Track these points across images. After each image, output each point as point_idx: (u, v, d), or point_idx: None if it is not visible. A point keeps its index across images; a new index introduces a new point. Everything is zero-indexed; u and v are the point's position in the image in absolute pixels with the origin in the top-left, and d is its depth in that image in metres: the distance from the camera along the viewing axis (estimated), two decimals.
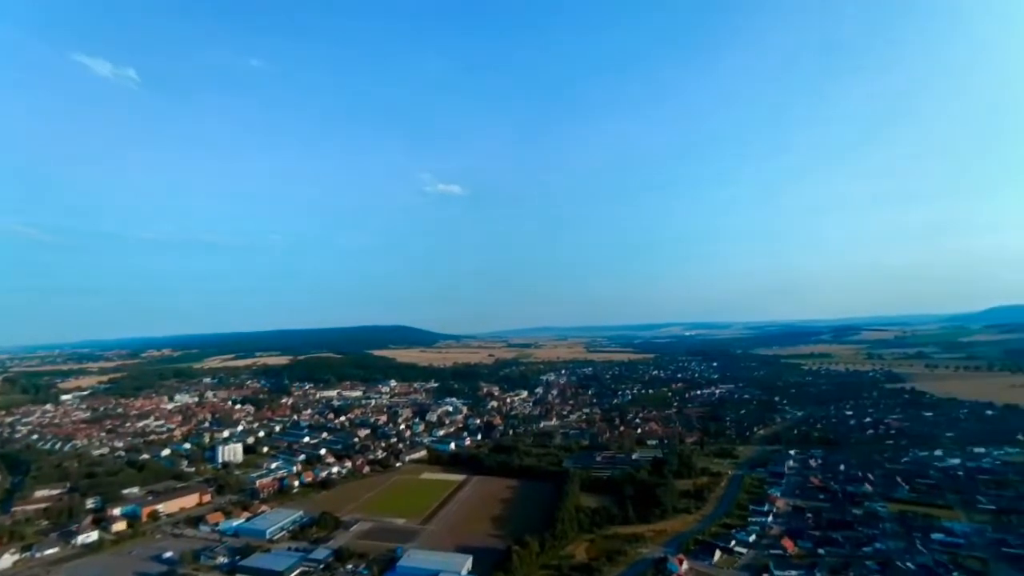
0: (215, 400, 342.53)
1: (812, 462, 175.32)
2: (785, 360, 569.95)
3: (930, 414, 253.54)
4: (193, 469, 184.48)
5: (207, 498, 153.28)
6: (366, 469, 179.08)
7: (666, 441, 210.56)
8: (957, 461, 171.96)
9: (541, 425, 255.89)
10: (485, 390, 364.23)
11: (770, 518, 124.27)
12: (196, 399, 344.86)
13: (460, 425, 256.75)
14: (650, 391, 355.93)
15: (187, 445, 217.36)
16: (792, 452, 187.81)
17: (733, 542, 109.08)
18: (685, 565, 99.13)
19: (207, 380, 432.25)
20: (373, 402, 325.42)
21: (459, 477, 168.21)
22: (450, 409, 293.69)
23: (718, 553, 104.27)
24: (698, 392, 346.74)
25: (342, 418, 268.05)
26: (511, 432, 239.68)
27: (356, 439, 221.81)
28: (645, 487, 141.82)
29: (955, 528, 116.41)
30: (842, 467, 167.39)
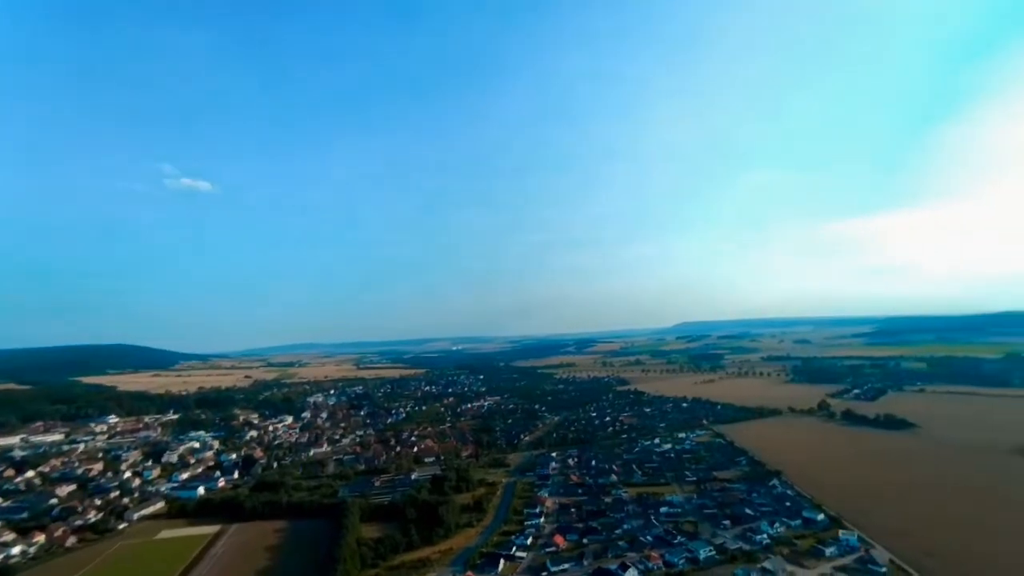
0: None
1: (571, 461, 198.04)
2: (541, 371, 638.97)
3: (649, 410, 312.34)
4: None
5: None
6: (71, 540, 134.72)
7: (443, 457, 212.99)
8: (669, 446, 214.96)
9: (311, 453, 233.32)
10: (242, 418, 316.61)
11: (542, 519, 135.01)
12: None
13: (210, 464, 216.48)
14: (423, 407, 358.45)
15: None
16: (554, 454, 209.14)
17: (514, 548, 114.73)
18: None
19: None
20: (82, 447, 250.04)
21: (211, 529, 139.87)
22: (196, 445, 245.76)
23: (502, 562, 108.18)
24: (469, 405, 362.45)
25: (29, 474, 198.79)
26: (276, 465, 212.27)
27: (54, 500, 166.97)
28: (427, 507, 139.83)
29: (674, 500, 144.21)
30: (593, 462, 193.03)
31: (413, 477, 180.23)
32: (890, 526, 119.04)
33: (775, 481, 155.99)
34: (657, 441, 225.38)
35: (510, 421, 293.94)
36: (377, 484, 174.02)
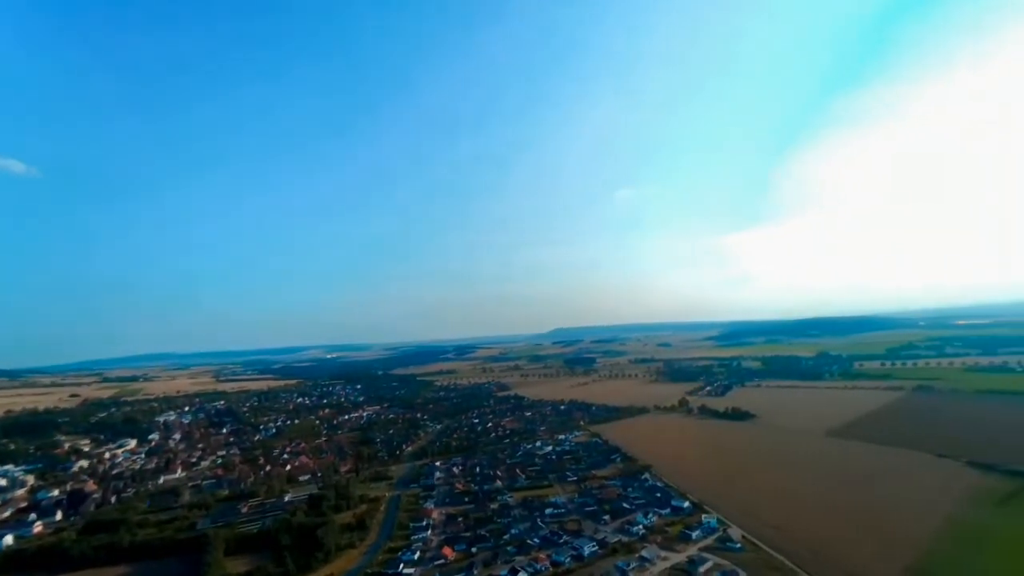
0: None
1: (455, 469, 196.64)
2: (421, 378, 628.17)
3: (529, 413, 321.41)
4: None
5: None
6: None
7: (320, 474, 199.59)
8: (550, 448, 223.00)
9: (162, 481, 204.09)
10: (68, 446, 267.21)
11: (429, 531, 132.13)
12: None
13: (23, 504, 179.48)
14: (296, 421, 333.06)
15: None
16: (438, 463, 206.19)
17: (401, 565, 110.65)
18: None
19: None
20: None
21: None
22: (2, 483, 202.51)
23: None
24: (347, 417, 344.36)
25: None
26: (115, 499, 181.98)
27: None
28: (304, 531, 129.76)
29: (558, 501, 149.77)
30: (478, 469, 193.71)
31: (287, 499, 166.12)
32: (741, 506, 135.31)
33: (646, 475, 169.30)
34: (539, 444, 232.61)
35: (391, 432, 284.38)
36: (244, 510, 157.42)
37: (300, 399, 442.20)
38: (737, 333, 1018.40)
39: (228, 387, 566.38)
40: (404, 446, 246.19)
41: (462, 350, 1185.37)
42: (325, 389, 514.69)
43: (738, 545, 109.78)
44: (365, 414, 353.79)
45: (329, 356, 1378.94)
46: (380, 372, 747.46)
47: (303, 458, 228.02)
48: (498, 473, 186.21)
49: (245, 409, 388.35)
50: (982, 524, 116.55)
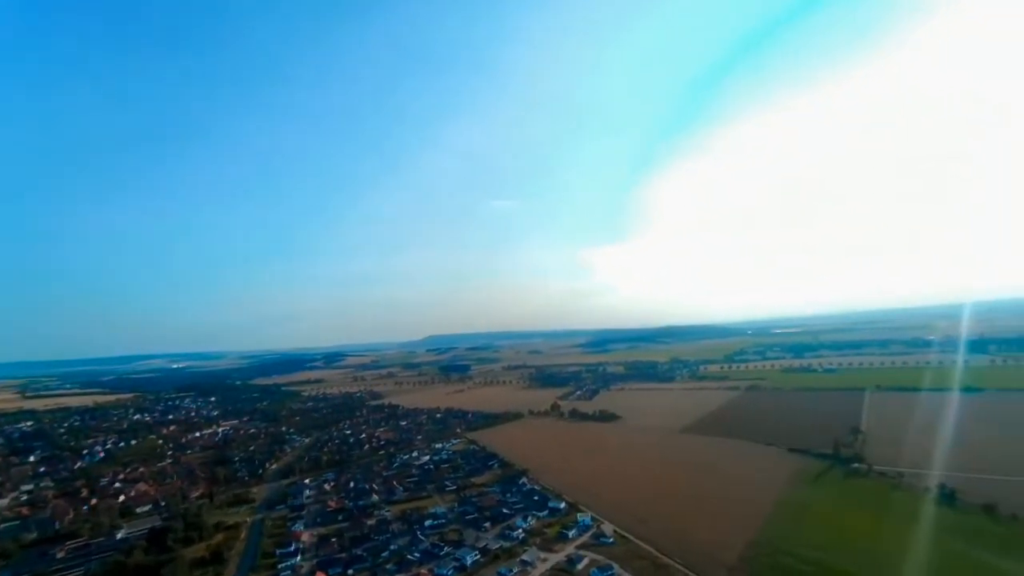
0: None
1: (327, 486, 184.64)
2: (286, 388, 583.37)
3: (405, 423, 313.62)
4: None
5: None
6: None
7: (164, 503, 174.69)
8: (427, 457, 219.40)
9: None
10: None
11: (299, 557, 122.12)
12: None
13: None
14: (133, 442, 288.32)
15: None
16: (307, 481, 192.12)
17: None
18: None
19: None
20: None
21: None
22: None
23: None
24: (198, 434, 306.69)
25: None
26: None
27: None
28: (144, 572, 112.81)
29: (437, 512, 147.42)
30: (352, 484, 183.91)
31: (120, 536, 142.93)
32: (612, 502, 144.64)
33: (524, 479, 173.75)
34: (416, 454, 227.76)
35: (252, 449, 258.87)
36: (60, 555, 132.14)
37: (138, 416, 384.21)
38: (602, 341, 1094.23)
39: (39, 404, 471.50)
40: (268, 464, 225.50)
41: (331, 358, 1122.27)
42: (171, 403, 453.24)
43: (611, 540, 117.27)
44: (221, 430, 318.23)
45: (175, 366, 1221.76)
46: (238, 382, 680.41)
47: (142, 485, 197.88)
48: (374, 487, 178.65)
49: (62, 431, 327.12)
50: (801, 500, 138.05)
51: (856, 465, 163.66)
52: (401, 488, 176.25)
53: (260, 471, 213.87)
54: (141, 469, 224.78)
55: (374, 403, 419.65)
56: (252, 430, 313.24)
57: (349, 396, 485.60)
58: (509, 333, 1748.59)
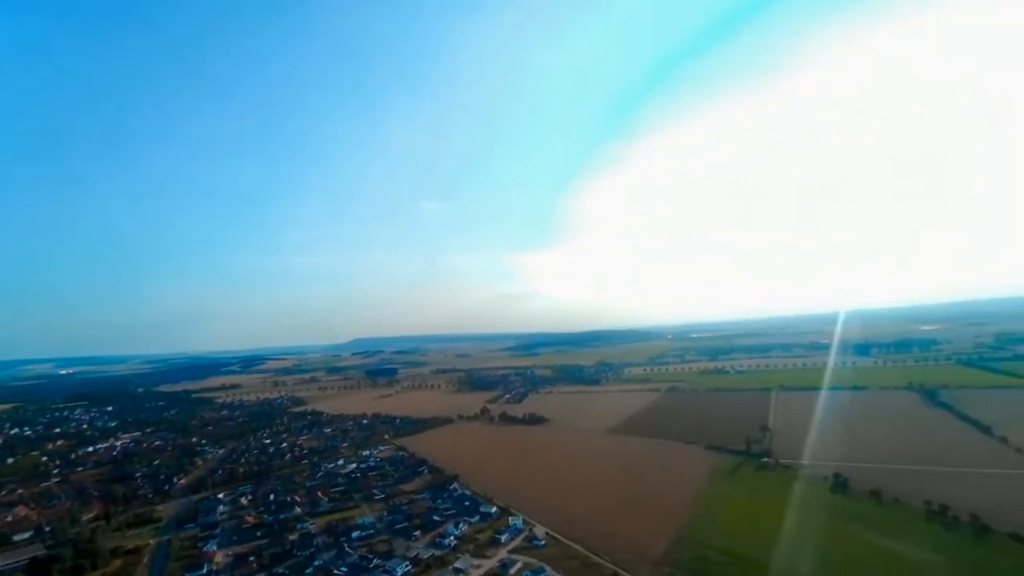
0: None
1: (244, 500, 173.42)
2: (197, 395, 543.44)
3: (329, 430, 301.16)
4: None
5: None
6: None
7: (49, 528, 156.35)
8: (354, 466, 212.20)
9: None
10: None
11: None
12: None
13: None
14: (9, 460, 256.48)
15: None
16: (221, 495, 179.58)
17: None
18: None
19: None
20: None
21: None
22: None
23: None
24: (91, 449, 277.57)
25: None
26: None
27: None
28: None
29: (365, 522, 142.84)
30: (272, 497, 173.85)
31: None
32: (543, 504, 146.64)
33: (455, 484, 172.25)
34: (341, 462, 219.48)
35: (157, 463, 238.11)
36: None
37: (15, 430, 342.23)
38: (531, 344, 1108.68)
39: None
40: (176, 479, 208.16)
41: (248, 362, 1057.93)
42: (58, 414, 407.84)
43: (543, 542, 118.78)
44: (119, 443, 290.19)
45: (64, 372, 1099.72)
46: (140, 390, 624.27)
47: (20, 509, 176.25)
48: (296, 499, 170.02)
49: None
50: (718, 494, 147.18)
51: (765, 460, 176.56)
52: (326, 499, 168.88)
53: (167, 487, 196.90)
54: (20, 491, 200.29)
55: (296, 409, 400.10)
56: (157, 442, 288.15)
57: (268, 403, 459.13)
58: (437, 336, 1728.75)
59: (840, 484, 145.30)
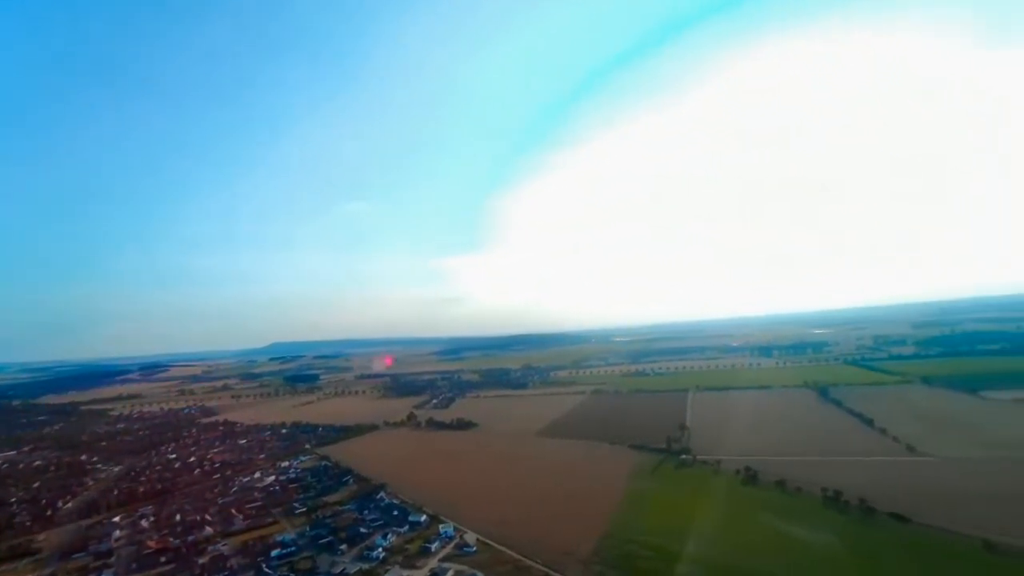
0: None
1: (144, 522, 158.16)
2: (87, 407, 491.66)
3: (244, 441, 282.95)
4: None
5: None
6: None
7: None
8: (272, 478, 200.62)
9: None
10: None
11: None
12: None
13: None
14: None
15: None
16: (117, 519, 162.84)
17: None
18: None
19: None
20: None
21: None
22: None
23: None
24: None
25: None
26: None
27: None
28: None
29: (286, 539, 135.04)
30: (179, 517, 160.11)
31: None
32: (473, 509, 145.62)
33: (382, 494, 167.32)
34: (258, 475, 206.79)
35: (38, 485, 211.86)
36: None
37: None
38: (458, 348, 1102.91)
39: None
40: (61, 502, 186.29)
41: (150, 369, 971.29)
42: None
43: (473, 548, 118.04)
44: None
45: None
46: (16, 402, 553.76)
47: None
48: (207, 517, 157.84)
49: None
50: (643, 491, 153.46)
51: (684, 456, 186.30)
52: (241, 516, 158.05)
53: (50, 513, 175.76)
54: None
55: (206, 420, 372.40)
56: (38, 462, 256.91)
57: (175, 413, 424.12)
58: (361, 340, 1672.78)
59: (751, 476, 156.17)
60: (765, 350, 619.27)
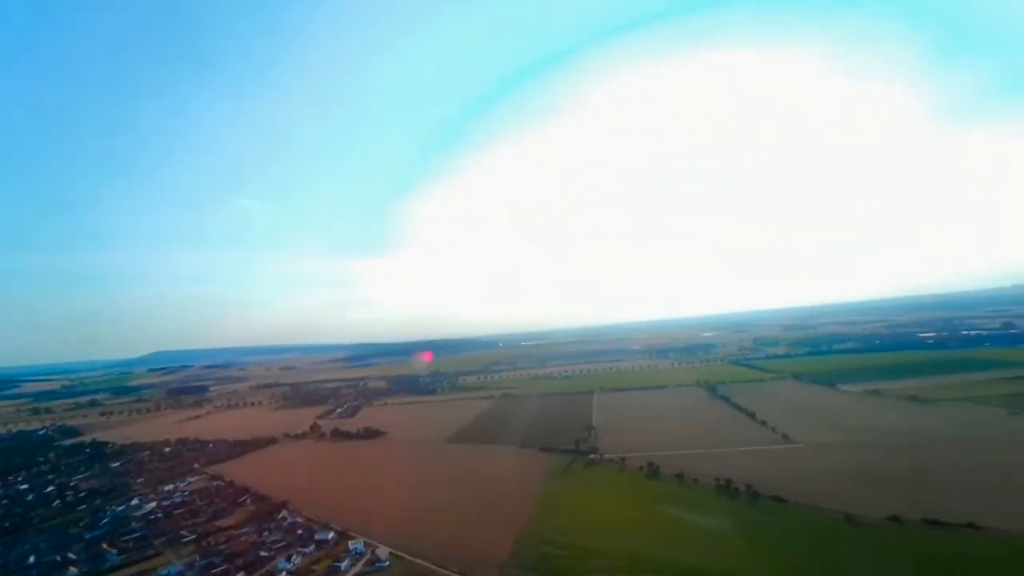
0: None
1: None
2: None
3: (117, 464, 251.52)
4: None
5: None
6: None
7: None
8: (153, 505, 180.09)
9: None
10: None
11: None
12: None
13: None
14: None
15: None
16: None
17: None
18: None
19: None
20: None
21: None
22: None
23: None
24: None
25: None
26: None
27: None
28: None
29: (171, 572, 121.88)
30: (32, 559, 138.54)
31: None
32: (384, 523, 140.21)
33: (284, 513, 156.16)
34: (136, 502, 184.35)
35: None
36: None
37: None
38: (363, 355, 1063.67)
39: None
40: None
41: None
42: None
43: (386, 563, 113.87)
44: None
45: None
46: None
47: None
48: (70, 556, 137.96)
49: None
50: (554, 492, 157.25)
51: (592, 456, 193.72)
52: (115, 551, 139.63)
53: None
54: None
55: (69, 442, 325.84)
56: None
57: (25, 435, 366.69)
58: (257, 348, 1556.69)
59: (653, 471, 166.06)
60: (662, 352, 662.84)
